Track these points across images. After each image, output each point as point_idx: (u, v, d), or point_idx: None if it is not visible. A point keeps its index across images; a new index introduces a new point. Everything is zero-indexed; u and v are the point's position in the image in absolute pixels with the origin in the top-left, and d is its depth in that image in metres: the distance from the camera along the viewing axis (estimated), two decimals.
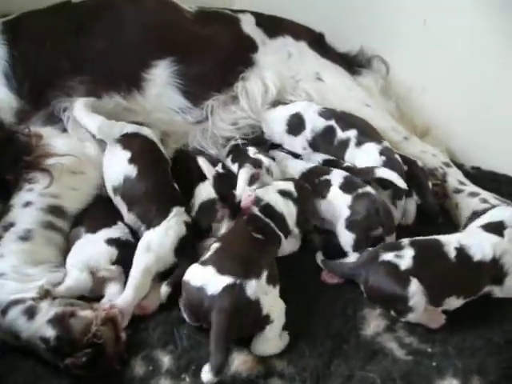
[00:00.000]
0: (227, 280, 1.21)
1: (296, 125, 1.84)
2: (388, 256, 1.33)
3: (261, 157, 1.67)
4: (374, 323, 1.32)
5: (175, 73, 1.88)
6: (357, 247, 1.48)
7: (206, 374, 1.14)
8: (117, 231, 1.45)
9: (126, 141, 1.58)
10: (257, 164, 1.62)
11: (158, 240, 1.40)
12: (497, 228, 1.41)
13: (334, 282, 1.44)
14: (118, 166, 1.53)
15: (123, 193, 1.50)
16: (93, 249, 1.39)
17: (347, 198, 1.53)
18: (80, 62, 1.78)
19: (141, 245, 1.40)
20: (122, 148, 1.55)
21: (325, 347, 1.25)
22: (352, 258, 1.46)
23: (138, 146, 1.57)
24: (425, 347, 1.24)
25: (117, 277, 1.37)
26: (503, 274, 1.35)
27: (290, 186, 1.55)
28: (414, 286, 1.27)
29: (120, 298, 1.29)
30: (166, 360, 1.22)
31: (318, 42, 2.22)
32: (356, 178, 1.60)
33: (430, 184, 1.68)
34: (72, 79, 1.74)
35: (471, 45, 1.93)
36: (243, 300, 1.20)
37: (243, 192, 1.50)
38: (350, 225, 1.50)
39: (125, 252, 1.40)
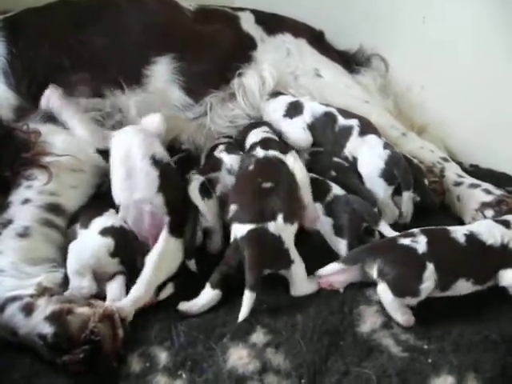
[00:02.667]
0: (250, 226, 1.38)
1: (294, 109, 1.84)
2: (405, 241, 1.36)
3: (223, 155, 1.67)
4: (370, 320, 1.32)
5: (176, 69, 1.90)
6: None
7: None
8: (109, 218, 1.44)
9: None
10: (216, 166, 1.63)
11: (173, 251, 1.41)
12: (504, 222, 1.44)
13: (335, 289, 1.42)
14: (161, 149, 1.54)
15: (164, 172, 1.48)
16: (89, 246, 1.38)
17: (320, 207, 1.54)
18: (80, 59, 1.79)
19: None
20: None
21: (321, 343, 1.25)
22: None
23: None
24: (421, 344, 1.24)
25: (117, 270, 1.38)
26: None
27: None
28: (429, 272, 1.30)
29: (130, 296, 1.30)
30: (162, 356, 1.22)
31: (317, 40, 2.24)
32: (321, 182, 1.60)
33: (426, 182, 1.68)
34: (72, 76, 1.75)
35: (470, 43, 1.93)
36: (267, 234, 1.38)
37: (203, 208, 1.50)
38: (339, 231, 1.50)
39: (121, 239, 1.39)
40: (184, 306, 1.33)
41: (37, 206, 1.44)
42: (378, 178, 1.63)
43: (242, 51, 2.04)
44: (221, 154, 1.70)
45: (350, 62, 2.24)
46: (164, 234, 1.40)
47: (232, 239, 1.42)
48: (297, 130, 1.80)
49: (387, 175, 1.62)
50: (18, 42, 1.75)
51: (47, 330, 1.17)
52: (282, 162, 1.60)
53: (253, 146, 1.68)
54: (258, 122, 1.89)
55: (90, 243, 1.39)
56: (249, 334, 1.28)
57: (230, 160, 1.66)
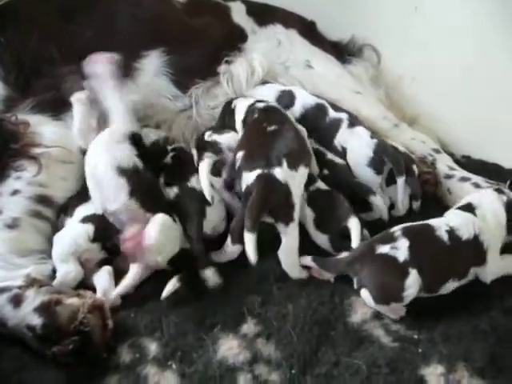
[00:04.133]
0: (257, 172, 1.42)
1: (285, 99, 1.82)
2: (384, 249, 1.32)
3: (215, 137, 1.65)
4: (360, 310, 1.32)
5: (165, 63, 1.88)
6: (334, 247, 1.47)
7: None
8: (90, 207, 1.44)
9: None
10: (216, 149, 1.60)
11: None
12: (469, 208, 1.43)
13: (325, 278, 1.42)
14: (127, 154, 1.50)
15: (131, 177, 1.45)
16: (69, 234, 1.39)
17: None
18: (69, 51, 1.76)
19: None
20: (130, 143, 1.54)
21: (312, 333, 1.25)
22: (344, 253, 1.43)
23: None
24: (411, 334, 1.24)
25: (100, 257, 1.38)
26: (484, 252, 1.36)
27: None
28: (412, 278, 1.27)
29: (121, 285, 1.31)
30: (152, 347, 1.22)
31: (308, 31, 2.22)
32: None
33: (415, 168, 1.66)
34: (61, 68, 1.72)
35: (463, 33, 1.92)
36: (274, 180, 1.41)
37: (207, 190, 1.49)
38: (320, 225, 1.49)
39: (101, 224, 1.39)
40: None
41: (26, 198, 1.43)
42: (366, 166, 1.63)
43: (233, 43, 2.02)
44: (212, 137, 1.67)
45: (342, 52, 2.22)
46: (154, 217, 1.38)
47: (243, 188, 1.43)
48: None
49: (375, 164, 1.62)
50: (7, 32, 1.72)
51: (36, 321, 1.16)
52: (285, 113, 1.66)
53: (250, 107, 1.70)
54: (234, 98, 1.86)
55: (71, 230, 1.41)
56: (239, 324, 1.28)
57: (225, 139, 1.64)
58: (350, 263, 1.37)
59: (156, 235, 1.33)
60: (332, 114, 1.76)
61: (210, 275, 1.36)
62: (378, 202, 1.57)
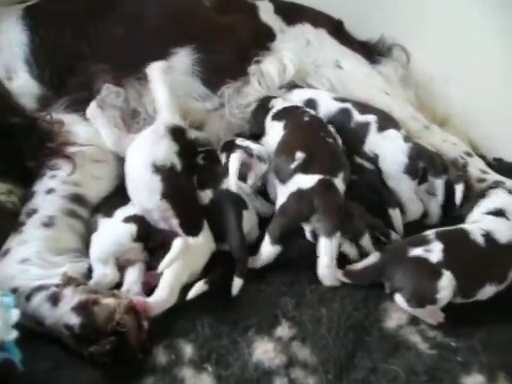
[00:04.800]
0: (318, 176, 1.42)
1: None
2: (417, 251, 1.31)
3: (249, 143, 1.63)
4: (395, 316, 1.31)
5: (195, 61, 1.87)
6: None
7: None
8: (131, 208, 1.44)
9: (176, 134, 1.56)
10: (247, 151, 1.57)
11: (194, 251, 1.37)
12: (500, 213, 1.42)
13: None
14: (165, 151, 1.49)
15: (166, 177, 1.44)
16: (111, 233, 1.39)
17: None
18: (100, 49, 1.76)
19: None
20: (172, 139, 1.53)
21: (347, 338, 1.25)
22: (372, 257, 1.41)
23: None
24: (449, 341, 1.23)
25: (139, 256, 1.38)
26: None
27: None
28: (446, 279, 1.26)
29: (153, 298, 1.27)
30: (188, 349, 1.22)
31: (337, 30, 2.19)
32: None
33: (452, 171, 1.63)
34: (92, 66, 1.73)
35: (498, 31, 1.88)
36: (335, 188, 1.43)
37: (234, 180, 1.47)
38: None
39: (143, 225, 1.39)
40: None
41: (61, 196, 1.43)
42: (401, 173, 1.59)
43: (261, 42, 2.01)
44: (245, 142, 1.65)
45: (371, 52, 2.20)
46: (178, 236, 1.36)
47: (293, 190, 1.42)
48: None
49: (411, 170, 1.59)
50: (40, 31, 1.73)
51: (74, 320, 1.17)
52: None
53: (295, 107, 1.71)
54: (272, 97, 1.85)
55: (113, 230, 1.40)
56: (274, 327, 1.28)
57: (257, 148, 1.61)
58: (382, 268, 1.36)
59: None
60: (357, 117, 1.72)
61: (238, 286, 1.35)
62: (396, 216, 1.54)
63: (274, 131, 1.68)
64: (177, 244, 1.33)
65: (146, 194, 1.42)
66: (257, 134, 1.77)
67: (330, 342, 1.23)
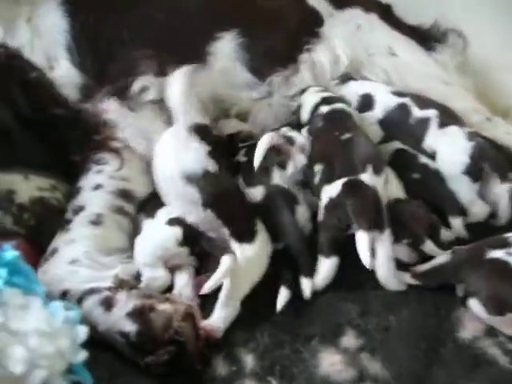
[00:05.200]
0: (342, 180, 1.32)
1: (364, 104, 1.69)
2: (497, 253, 1.21)
3: (293, 134, 1.53)
4: (471, 325, 1.20)
5: (240, 46, 1.78)
6: None
7: None
8: (174, 210, 1.34)
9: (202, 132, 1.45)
10: (288, 139, 1.48)
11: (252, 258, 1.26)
12: None
13: None
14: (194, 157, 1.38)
15: (203, 185, 1.32)
16: (156, 236, 1.30)
17: None
18: (142, 34, 1.68)
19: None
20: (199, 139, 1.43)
21: (420, 349, 1.15)
22: (442, 257, 1.30)
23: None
24: None
25: (186, 261, 1.29)
26: None
27: None
28: None
29: (216, 316, 1.18)
30: (249, 360, 1.13)
31: (387, 14, 2.07)
32: None
33: None
34: (135, 52, 1.65)
35: None
36: (363, 185, 1.31)
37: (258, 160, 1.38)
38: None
39: (188, 229, 1.29)
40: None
41: (108, 192, 1.36)
42: (461, 174, 1.46)
43: (309, 27, 1.91)
44: (289, 132, 1.55)
45: (425, 38, 2.07)
46: (234, 246, 1.26)
47: (325, 202, 1.33)
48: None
49: (472, 171, 1.46)
50: (80, 17, 1.65)
51: (129, 327, 1.08)
52: (350, 114, 1.55)
53: (315, 108, 1.60)
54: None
55: (157, 234, 1.31)
56: (338, 336, 1.18)
57: (301, 139, 1.51)
58: (453, 270, 1.25)
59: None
60: (417, 112, 1.60)
61: (308, 287, 1.25)
62: (457, 225, 1.42)
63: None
64: (224, 262, 1.21)
65: (186, 209, 1.32)
66: None
67: (403, 354, 1.13)
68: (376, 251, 1.27)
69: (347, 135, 1.45)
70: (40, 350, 0.63)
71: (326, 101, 1.62)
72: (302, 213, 1.39)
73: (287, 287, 1.24)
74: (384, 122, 1.64)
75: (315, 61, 1.82)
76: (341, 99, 1.66)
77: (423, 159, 1.54)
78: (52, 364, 0.65)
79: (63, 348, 0.68)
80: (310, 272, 1.27)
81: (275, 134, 1.48)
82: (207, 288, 1.20)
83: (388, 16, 2.07)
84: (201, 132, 1.45)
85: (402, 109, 1.63)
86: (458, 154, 1.49)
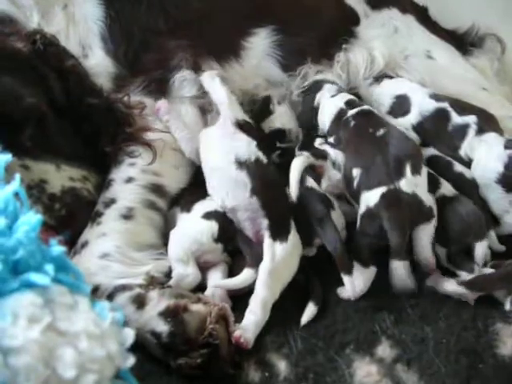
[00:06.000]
0: (381, 190, 1.29)
1: (400, 107, 1.64)
2: None
3: (327, 147, 1.50)
4: (510, 341, 1.16)
5: (275, 43, 1.75)
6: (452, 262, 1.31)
7: None
8: (211, 203, 1.32)
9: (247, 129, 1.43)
10: (320, 155, 1.45)
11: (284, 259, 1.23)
12: None
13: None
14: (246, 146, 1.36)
15: (253, 172, 1.31)
16: (191, 231, 1.27)
17: None
18: (177, 25, 1.65)
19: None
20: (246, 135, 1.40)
21: (460, 364, 1.11)
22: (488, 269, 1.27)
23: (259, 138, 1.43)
24: None
25: (219, 258, 1.27)
26: None
27: None
28: None
29: (243, 326, 1.14)
30: (282, 366, 1.10)
31: (424, 17, 2.03)
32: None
33: None
34: (169, 42, 1.61)
35: None
36: (403, 196, 1.28)
37: (295, 187, 1.34)
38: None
39: (225, 224, 1.28)
40: (342, 292, 1.23)
41: (141, 186, 1.32)
42: (494, 183, 1.42)
43: (345, 26, 1.88)
44: (323, 146, 1.52)
45: (462, 42, 2.02)
46: (267, 242, 1.24)
47: (363, 210, 1.30)
48: None
49: (506, 181, 1.41)
50: (116, 5, 1.62)
51: (161, 327, 1.06)
52: (378, 113, 1.55)
53: (338, 116, 1.56)
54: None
55: (193, 227, 1.28)
56: (374, 345, 1.15)
57: (334, 153, 1.47)
58: (504, 280, 1.22)
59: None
60: (456, 119, 1.55)
61: (349, 284, 1.22)
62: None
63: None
64: (245, 275, 1.21)
65: (232, 193, 1.30)
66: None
67: (442, 368, 1.09)
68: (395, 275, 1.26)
69: (382, 131, 1.43)
70: (90, 353, 0.60)
71: (350, 105, 1.58)
72: (337, 219, 1.34)
73: (315, 303, 1.21)
74: (420, 127, 1.60)
75: (350, 60, 1.78)
76: (362, 102, 1.63)
77: (459, 167, 1.49)
78: (102, 368, 0.62)
79: (112, 352, 0.65)
80: (350, 270, 1.23)
81: (307, 155, 1.45)
82: (211, 287, 1.20)
83: (425, 18, 2.03)
84: (245, 128, 1.44)
85: (441, 114, 1.58)
86: (492, 161, 1.44)
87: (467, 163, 1.51)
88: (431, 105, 1.61)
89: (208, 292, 1.21)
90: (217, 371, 1.06)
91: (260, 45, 1.74)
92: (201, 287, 1.23)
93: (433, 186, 1.38)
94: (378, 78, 1.77)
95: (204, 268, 1.27)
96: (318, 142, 1.55)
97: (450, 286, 1.24)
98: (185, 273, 1.22)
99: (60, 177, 1.28)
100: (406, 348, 1.15)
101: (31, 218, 0.72)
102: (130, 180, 1.33)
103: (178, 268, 1.22)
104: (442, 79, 1.80)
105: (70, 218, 1.25)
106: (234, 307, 1.18)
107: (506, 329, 1.19)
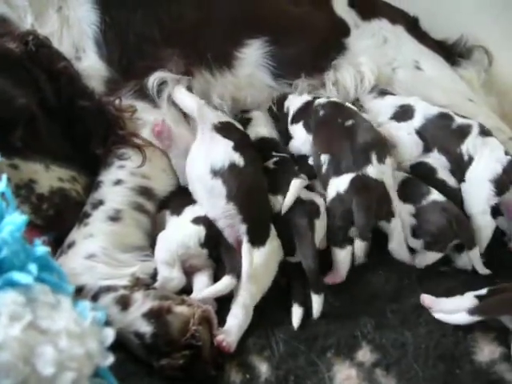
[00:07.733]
0: (349, 176, 1.37)
1: (403, 113, 1.66)
2: None
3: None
4: (488, 348, 1.18)
5: (268, 53, 1.77)
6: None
7: None
8: (202, 208, 1.33)
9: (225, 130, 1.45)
10: (311, 174, 1.47)
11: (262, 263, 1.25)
12: None
13: None
14: (221, 152, 1.38)
15: (228, 178, 1.32)
16: (179, 234, 1.28)
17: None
18: (171, 33, 1.67)
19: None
20: (222, 136, 1.42)
21: (437, 370, 1.13)
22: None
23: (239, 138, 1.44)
24: None
25: (204, 263, 1.28)
26: None
27: None
28: None
29: (226, 330, 1.15)
30: (263, 368, 1.12)
31: (414, 27, 2.07)
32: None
33: None
34: (163, 50, 1.64)
35: None
36: (370, 181, 1.36)
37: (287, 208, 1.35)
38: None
39: (211, 230, 1.28)
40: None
41: (129, 188, 1.34)
42: (488, 181, 1.45)
43: (335, 37, 1.90)
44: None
45: (450, 53, 2.06)
46: (245, 247, 1.25)
47: (333, 195, 1.37)
48: (403, 137, 1.60)
49: (499, 183, 1.45)
50: (111, 11, 1.64)
51: (145, 328, 1.07)
52: (348, 105, 1.61)
53: (306, 105, 1.64)
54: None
55: (181, 231, 1.29)
56: (354, 349, 1.17)
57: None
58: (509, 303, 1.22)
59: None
60: (459, 120, 1.59)
61: (318, 303, 1.23)
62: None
63: (297, 136, 1.61)
64: (224, 282, 1.21)
65: (210, 203, 1.31)
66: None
67: (419, 373, 1.12)
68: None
69: (350, 121, 1.50)
70: (69, 351, 0.62)
71: (317, 97, 1.66)
72: (320, 228, 1.35)
73: (299, 305, 1.23)
74: (424, 129, 1.61)
75: (339, 79, 1.81)
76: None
77: (442, 174, 1.52)
78: (81, 367, 0.63)
79: (92, 350, 0.66)
80: (320, 289, 1.24)
81: (303, 180, 1.42)
82: (197, 297, 1.20)
83: (415, 29, 2.06)
84: (223, 129, 1.45)
85: (445, 116, 1.62)
86: (493, 162, 1.48)
87: (463, 162, 1.52)
88: (435, 110, 1.64)
89: (193, 296, 1.22)
90: (199, 373, 1.07)
91: (253, 55, 1.76)
92: (186, 290, 1.25)
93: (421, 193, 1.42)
94: (380, 94, 1.78)
95: (189, 272, 1.28)
96: (310, 160, 1.53)
97: (462, 319, 1.22)
98: (170, 276, 1.22)
99: (49, 177, 1.29)
100: (385, 353, 1.17)
101: (16, 218, 0.74)
102: (118, 182, 1.34)
103: (164, 271, 1.23)
104: (429, 90, 1.82)
105: (58, 219, 1.26)
106: (220, 309, 1.20)
107: (485, 336, 1.21)
